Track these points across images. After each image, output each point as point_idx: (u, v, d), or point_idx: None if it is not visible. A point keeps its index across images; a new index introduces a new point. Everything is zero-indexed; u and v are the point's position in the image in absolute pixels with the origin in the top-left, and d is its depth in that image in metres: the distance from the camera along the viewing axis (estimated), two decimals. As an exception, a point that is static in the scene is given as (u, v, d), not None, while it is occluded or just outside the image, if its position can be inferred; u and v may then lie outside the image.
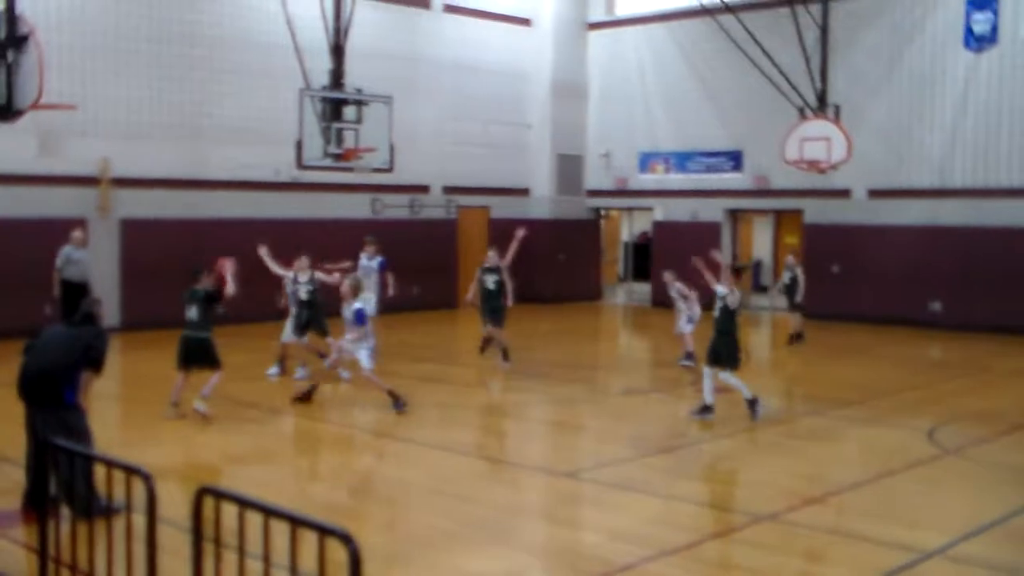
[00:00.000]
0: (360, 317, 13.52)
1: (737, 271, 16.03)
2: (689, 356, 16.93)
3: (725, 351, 13.35)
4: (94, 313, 8.89)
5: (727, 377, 13.47)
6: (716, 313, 13.42)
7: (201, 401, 12.88)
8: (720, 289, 13.42)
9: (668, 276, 17.41)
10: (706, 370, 13.50)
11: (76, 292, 17.93)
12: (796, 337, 20.93)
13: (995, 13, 22.89)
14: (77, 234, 18.81)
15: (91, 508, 7.55)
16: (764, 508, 9.40)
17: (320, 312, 16.02)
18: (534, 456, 12.31)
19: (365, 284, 16.31)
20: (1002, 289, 22.39)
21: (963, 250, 23.16)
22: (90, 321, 8.81)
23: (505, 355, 17.27)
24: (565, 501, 10.28)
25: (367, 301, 14.80)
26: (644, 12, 29.06)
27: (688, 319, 17.07)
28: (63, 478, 7.31)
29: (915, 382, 17.03)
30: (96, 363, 8.56)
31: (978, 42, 23.19)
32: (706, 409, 13.36)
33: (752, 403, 13.39)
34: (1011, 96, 22.80)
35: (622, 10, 29.83)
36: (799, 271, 20.95)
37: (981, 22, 23.11)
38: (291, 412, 13.86)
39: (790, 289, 20.91)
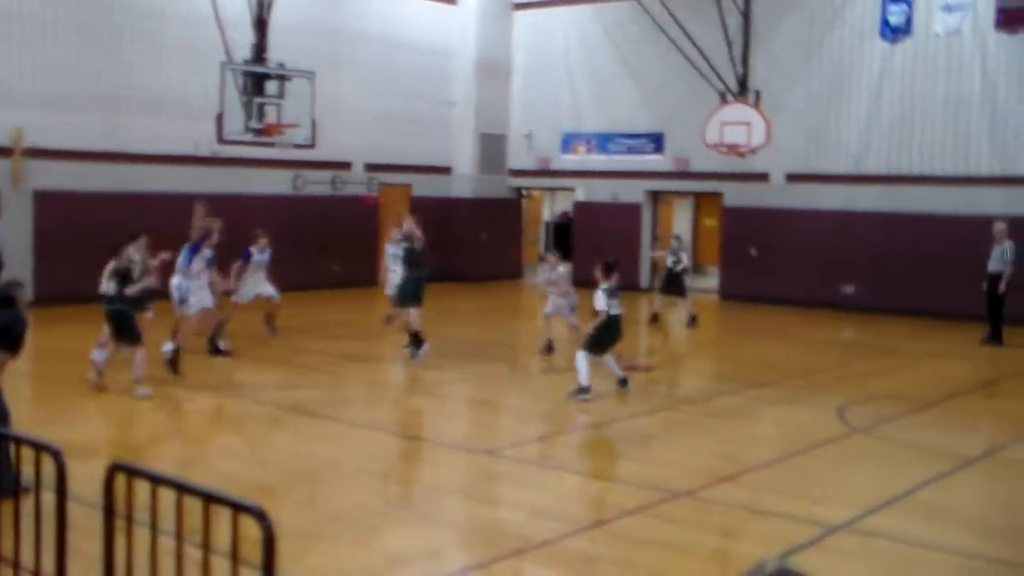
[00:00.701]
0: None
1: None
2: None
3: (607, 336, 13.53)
4: (14, 296, 8.72)
5: (608, 360, 13.81)
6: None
7: (139, 386, 12.70)
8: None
9: (552, 259, 17.14)
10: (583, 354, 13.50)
11: None
12: (692, 320, 21.04)
13: (909, 5, 23.26)
14: None
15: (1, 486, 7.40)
16: (680, 485, 9.51)
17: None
18: (454, 434, 12.30)
19: (257, 278, 16.23)
20: (914, 274, 22.86)
21: (877, 235, 23.58)
22: (9, 304, 8.64)
23: (414, 341, 15.86)
24: (484, 479, 10.30)
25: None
26: (569, -7, 29.12)
27: (570, 307, 16.80)
28: None
29: (827, 363, 17.31)
30: (12, 345, 8.42)
31: (893, 33, 23.57)
32: (584, 390, 13.38)
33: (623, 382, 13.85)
34: (924, 86, 23.24)
35: (547, -9, 29.87)
36: (684, 255, 21.06)
37: (896, 14, 23.49)
38: (210, 389, 13.70)
39: (674, 274, 20.83)
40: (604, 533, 8.24)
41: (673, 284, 20.95)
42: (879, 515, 8.78)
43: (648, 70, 27.11)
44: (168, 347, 14.02)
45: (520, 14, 29.95)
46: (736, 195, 26.14)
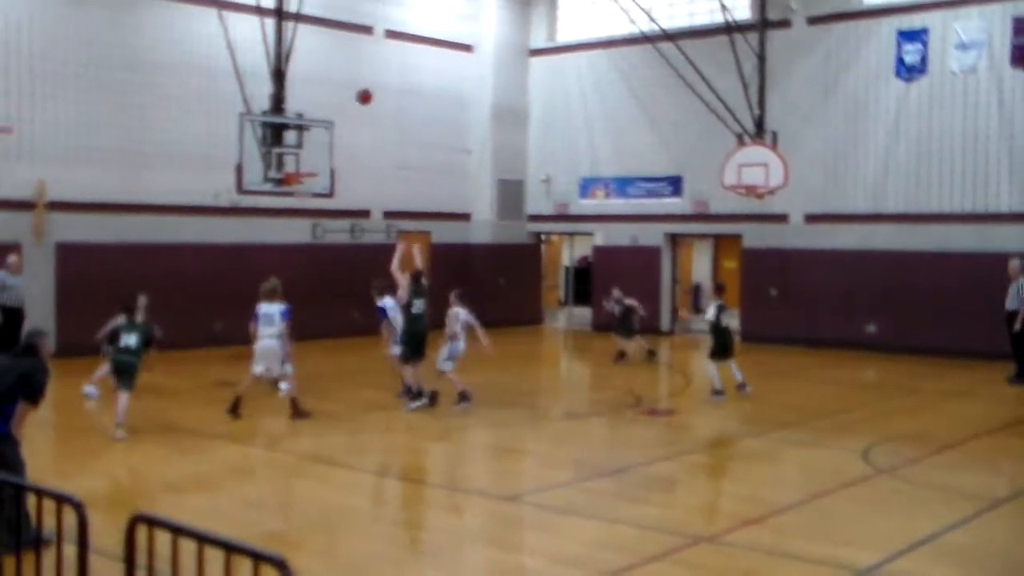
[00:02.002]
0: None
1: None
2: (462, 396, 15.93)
3: None
4: (36, 345, 8.76)
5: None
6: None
7: (119, 428, 13.34)
8: None
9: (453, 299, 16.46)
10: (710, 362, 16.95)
11: (13, 318, 17.71)
12: (650, 354, 22.05)
13: (924, 45, 23.35)
14: (12, 259, 18.47)
15: (20, 539, 7.40)
16: (704, 530, 9.47)
17: None
18: (475, 480, 12.28)
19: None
20: (933, 312, 22.76)
21: (896, 274, 23.50)
22: (32, 353, 8.68)
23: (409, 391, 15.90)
24: (506, 525, 10.27)
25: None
26: (585, 39, 29.29)
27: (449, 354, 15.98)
28: None
29: (850, 404, 17.22)
30: (33, 395, 8.43)
31: (908, 72, 23.64)
32: (718, 393, 16.80)
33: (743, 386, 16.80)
34: (940, 125, 23.25)
35: (563, 37, 30.04)
36: (629, 301, 21.74)
37: (911, 53, 23.57)
38: (229, 438, 13.72)
39: (625, 319, 21.74)
40: (627, 579, 8.19)
41: (621, 324, 21.85)
42: (906, 559, 8.71)
43: (664, 113, 27.23)
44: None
45: (536, 60, 30.17)
46: (755, 236, 26.13)
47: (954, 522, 9.89)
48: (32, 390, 8.42)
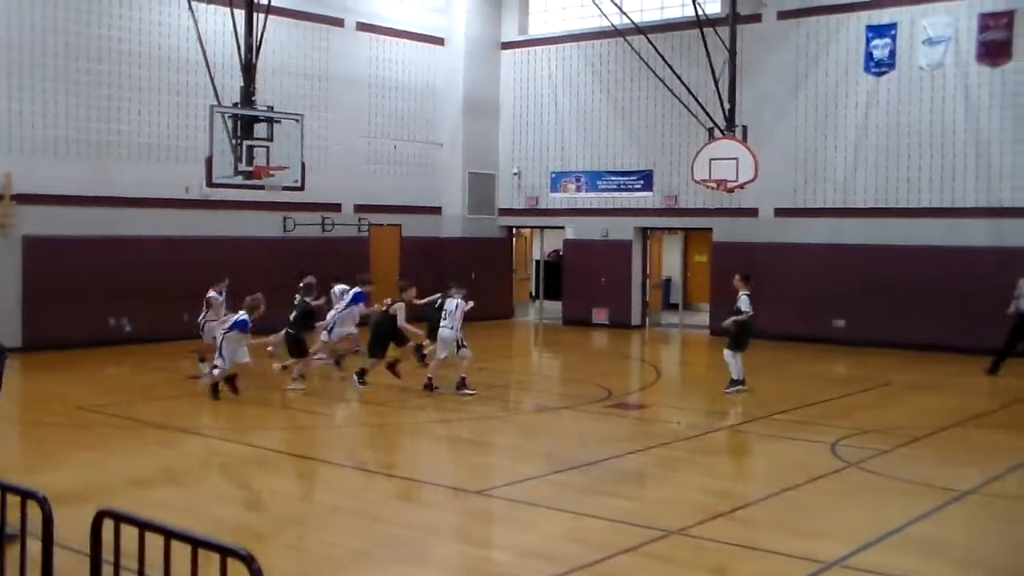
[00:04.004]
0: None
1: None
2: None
3: None
4: None
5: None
6: None
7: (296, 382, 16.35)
8: None
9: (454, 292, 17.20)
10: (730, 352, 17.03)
11: None
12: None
13: (893, 39, 23.54)
14: None
15: None
16: (673, 523, 9.48)
17: None
18: (445, 474, 12.26)
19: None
20: (902, 306, 22.92)
21: (865, 268, 23.67)
22: None
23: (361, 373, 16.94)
24: (476, 519, 10.26)
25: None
26: (556, 32, 29.32)
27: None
28: None
29: (819, 397, 17.28)
30: None
31: (877, 67, 23.81)
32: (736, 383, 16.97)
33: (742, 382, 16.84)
34: (908, 119, 23.45)
35: (535, 30, 30.04)
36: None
37: (880, 48, 23.74)
38: (198, 432, 13.67)
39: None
40: (596, 573, 8.17)
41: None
42: (873, 551, 8.75)
43: (635, 107, 27.29)
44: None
45: (507, 53, 30.16)
46: (725, 231, 26.23)
47: (921, 513, 9.97)
48: None
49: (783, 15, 25.18)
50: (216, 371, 15.63)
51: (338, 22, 26.62)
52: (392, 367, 17.03)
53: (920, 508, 10.15)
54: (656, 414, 16.20)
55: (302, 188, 21.00)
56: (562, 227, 29.65)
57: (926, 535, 9.38)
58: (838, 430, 14.14)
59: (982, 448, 13.42)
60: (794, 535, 9.22)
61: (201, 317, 17.88)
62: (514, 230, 31.60)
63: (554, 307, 30.54)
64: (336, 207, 26.49)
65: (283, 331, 16.66)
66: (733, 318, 17.05)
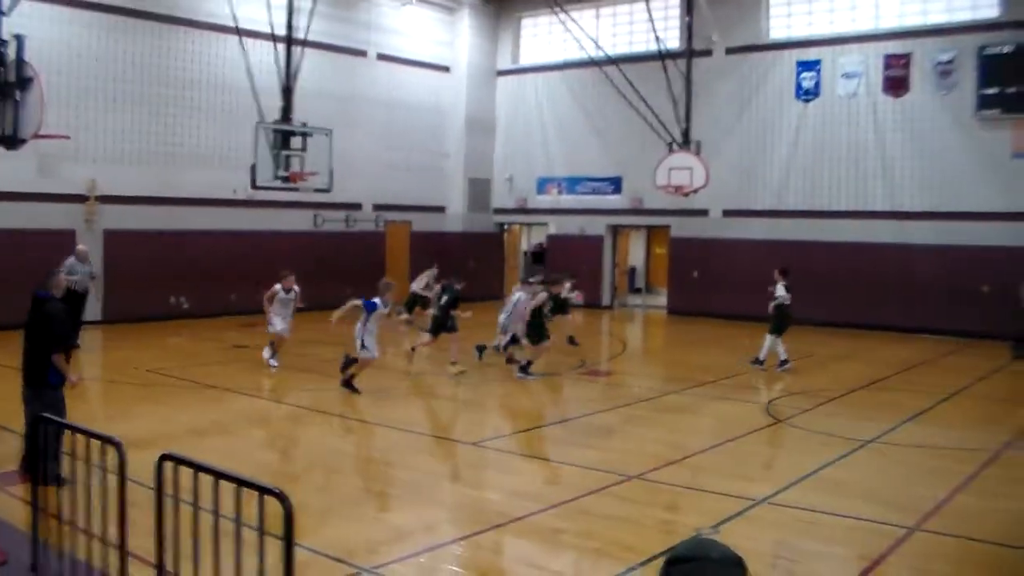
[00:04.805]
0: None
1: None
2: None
3: None
4: (48, 290, 8.54)
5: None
6: None
7: (455, 366, 15.26)
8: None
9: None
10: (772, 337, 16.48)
11: (78, 301, 16.59)
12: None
13: (818, 73, 23.65)
14: (81, 248, 17.66)
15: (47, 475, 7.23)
16: (633, 469, 9.58)
17: None
18: (447, 429, 12.35)
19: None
20: (825, 290, 23.01)
21: (795, 259, 23.58)
22: (45, 301, 8.43)
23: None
24: (472, 466, 10.35)
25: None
26: (543, 63, 29.26)
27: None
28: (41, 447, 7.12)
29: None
30: (54, 343, 8.18)
31: (806, 95, 23.88)
32: (784, 363, 16.24)
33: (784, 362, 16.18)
34: (831, 138, 23.52)
35: (525, 60, 29.97)
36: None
37: (808, 79, 23.80)
38: (245, 391, 13.73)
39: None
40: (569, 510, 8.29)
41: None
42: (793, 490, 8.89)
43: (608, 124, 27.28)
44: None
45: (502, 79, 30.11)
46: (681, 228, 26.27)
47: (832, 459, 10.10)
48: (50, 339, 8.17)
49: (730, 51, 25.17)
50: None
51: (362, 53, 26.55)
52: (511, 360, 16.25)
53: (832, 455, 10.27)
54: (622, 380, 16.28)
55: (330, 190, 20.98)
56: (546, 224, 29.66)
57: (835, 477, 9.51)
58: (771, 393, 14.28)
59: (882, 406, 13.53)
60: (731, 478, 9.34)
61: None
62: (506, 226, 31.60)
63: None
64: (358, 206, 26.48)
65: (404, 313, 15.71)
66: (772, 303, 16.76)
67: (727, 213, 25.36)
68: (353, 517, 8.01)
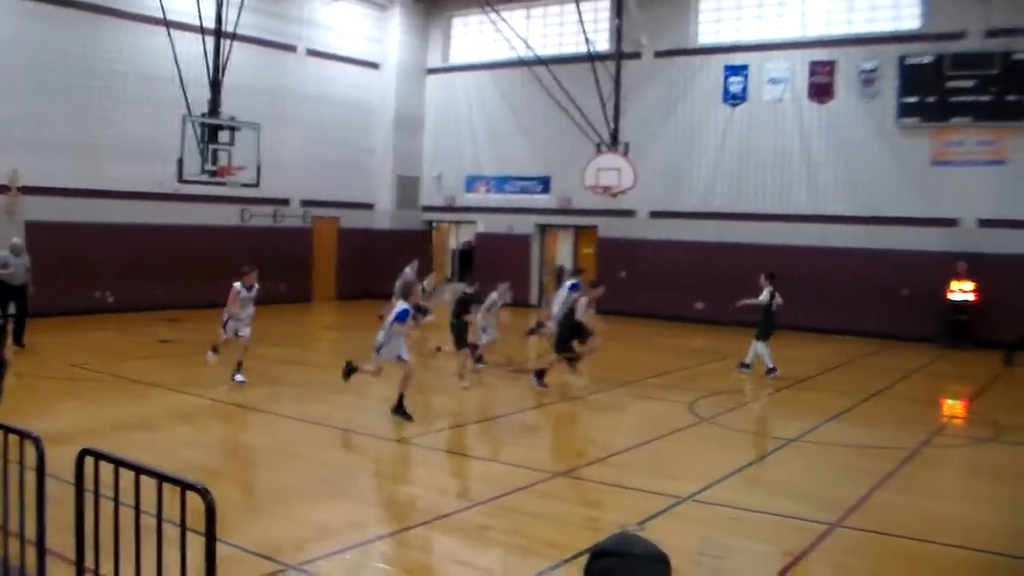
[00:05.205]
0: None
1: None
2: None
3: None
4: None
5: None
6: None
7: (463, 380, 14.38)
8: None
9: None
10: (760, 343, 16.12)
11: (14, 294, 16.37)
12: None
13: (745, 78, 24.03)
14: (15, 241, 17.12)
15: None
16: (559, 466, 9.64)
17: None
18: (373, 425, 12.26)
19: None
20: (748, 292, 23.20)
21: (720, 261, 24.10)
22: None
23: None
24: (398, 463, 10.31)
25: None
26: (473, 61, 29.23)
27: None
28: None
29: (680, 365, 17.61)
30: None
31: (733, 99, 24.25)
32: (772, 370, 15.78)
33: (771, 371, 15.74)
34: (757, 142, 23.90)
35: (455, 59, 29.90)
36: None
37: (735, 84, 24.18)
38: (170, 387, 13.47)
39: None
40: (495, 507, 8.30)
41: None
42: (717, 488, 9.01)
43: (537, 124, 27.37)
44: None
45: (431, 77, 30.01)
46: (609, 228, 26.48)
47: (755, 457, 10.29)
48: None
49: (659, 54, 25.44)
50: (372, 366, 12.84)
51: (291, 48, 26.23)
52: (572, 361, 15.51)
53: (755, 453, 10.48)
54: (548, 378, 16.31)
55: (257, 185, 20.72)
56: (474, 222, 29.64)
57: (758, 474, 9.69)
58: (695, 392, 14.43)
59: (805, 405, 13.79)
60: (656, 476, 9.43)
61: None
62: (434, 224, 31.51)
63: (467, 288, 30.44)
64: (285, 202, 26.16)
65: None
66: (744, 301, 16.56)
67: (654, 214, 25.62)
68: (279, 514, 7.91)
